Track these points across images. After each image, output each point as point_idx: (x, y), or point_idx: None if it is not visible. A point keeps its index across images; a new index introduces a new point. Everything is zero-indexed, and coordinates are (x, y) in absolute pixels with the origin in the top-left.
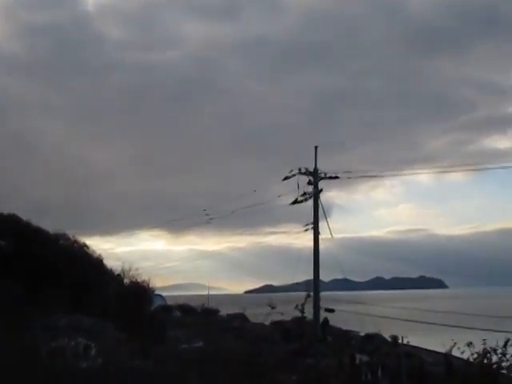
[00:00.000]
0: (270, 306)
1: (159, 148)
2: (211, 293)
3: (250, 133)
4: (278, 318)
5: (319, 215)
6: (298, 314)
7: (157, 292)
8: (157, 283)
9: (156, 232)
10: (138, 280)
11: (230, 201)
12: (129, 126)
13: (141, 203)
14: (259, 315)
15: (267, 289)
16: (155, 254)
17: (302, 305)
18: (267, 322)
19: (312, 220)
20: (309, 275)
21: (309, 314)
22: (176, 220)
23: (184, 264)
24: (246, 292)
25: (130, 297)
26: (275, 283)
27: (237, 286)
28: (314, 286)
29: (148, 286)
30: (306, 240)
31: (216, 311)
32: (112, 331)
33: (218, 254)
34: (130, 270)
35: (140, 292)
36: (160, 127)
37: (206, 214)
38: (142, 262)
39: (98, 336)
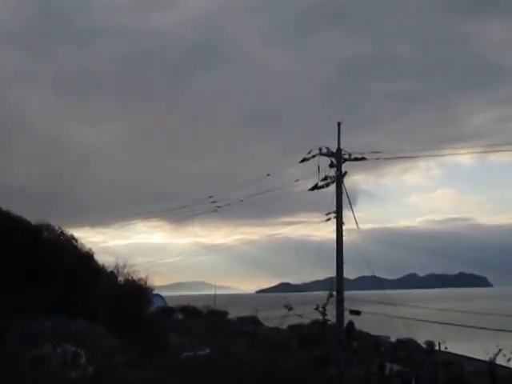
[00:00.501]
0: (286, 307)
1: (158, 126)
2: (218, 292)
3: (263, 107)
4: (296, 321)
5: (343, 202)
6: (318, 316)
7: (156, 292)
8: (156, 281)
9: (155, 223)
10: (135, 278)
11: (239, 186)
12: (123, 101)
13: (137, 189)
14: (274, 318)
15: (283, 288)
16: (154, 248)
17: (324, 306)
18: (283, 326)
19: (334, 208)
20: (331, 272)
21: (331, 316)
22: (177, 209)
23: (187, 260)
24: (259, 291)
25: (125, 297)
26: (292, 281)
27: (248, 284)
28: (338, 284)
29: (146, 284)
30: (327, 232)
31: (224, 314)
32: (104, 337)
33: (226, 249)
34: (124, 266)
35: (136, 292)
36: (158, 102)
37: (212, 202)
38: (138, 257)
39: (88, 342)
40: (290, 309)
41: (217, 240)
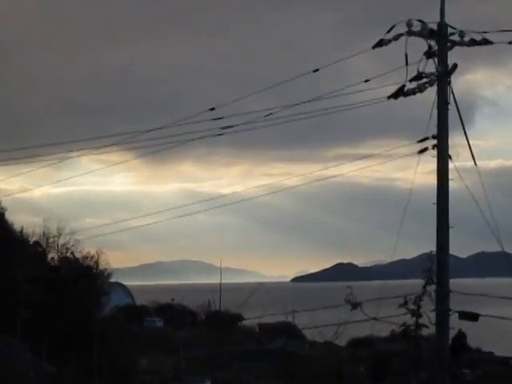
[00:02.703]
0: (349, 303)
1: None
2: (228, 280)
3: None
4: (364, 331)
5: (449, 121)
6: (407, 320)
7: (115, 279)
8: (116, 261)
9: (114, 156)
10: (78, 255)
11: (263, 91)
12: None
13: (83, 97)
14: (324, 326)
15: (340, 272)
16: (113, 202)
17: (417, 301)
18: (341, 342)
19: (433, 132)
20: (427, 246)
21: (428, 321)
22: (154, 131)
23: (170, 223)
24: (297, 279)
25: (60, 289)
26: (357, 261)
27: (278, 267)
28: (439, 266)
29: (97, 266)
30: (420, 173)
31: (237, 318)
32: (24, 358)
33: (242, 203)
34: (60, 233)
35: (81, 279)
36: None
37: (216, 119)
38: (85, 218)
39: None
40: (356, 306)
41: (224, 188)
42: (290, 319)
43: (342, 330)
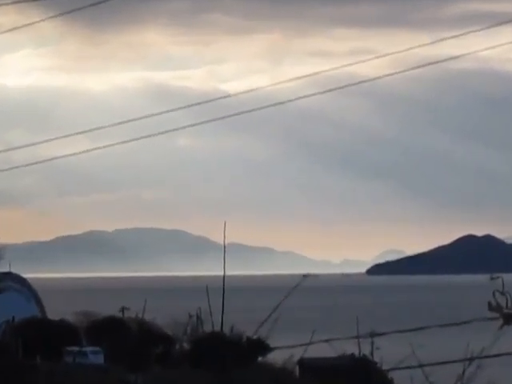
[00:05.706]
0: (496, 310)
1: None
2: (239, 271)
3: None
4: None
5: None
6: None
7: (6, 266)
8: (8, 232)
9: (8, 15)
10: None
11: None
12: None
13: None
14: (435, 364)
15: (468, 252)
16: (8, 110)
17: None
18: None
19: None
20: None
21: None
22: None
23: (120, 154)
24: (379, 268)
25: None
26: (501, 234)
27: (340, 244)
28: None
29: None
30: None
31: (256, 348)
32: None
33: (266, 113)
34: None
35: None
36: None
37: None
38: None
39: None
40: (509, 320)
41: (229, 81)
42: (365, 350)
43: (475, 371)
